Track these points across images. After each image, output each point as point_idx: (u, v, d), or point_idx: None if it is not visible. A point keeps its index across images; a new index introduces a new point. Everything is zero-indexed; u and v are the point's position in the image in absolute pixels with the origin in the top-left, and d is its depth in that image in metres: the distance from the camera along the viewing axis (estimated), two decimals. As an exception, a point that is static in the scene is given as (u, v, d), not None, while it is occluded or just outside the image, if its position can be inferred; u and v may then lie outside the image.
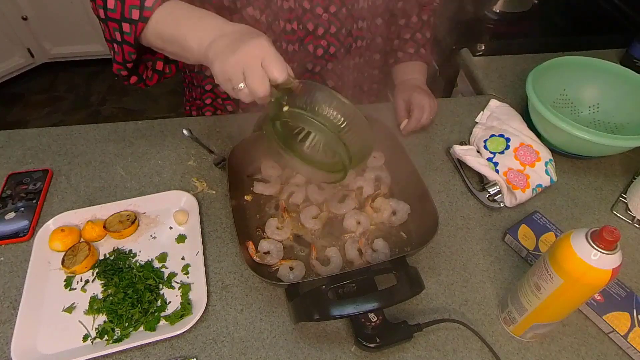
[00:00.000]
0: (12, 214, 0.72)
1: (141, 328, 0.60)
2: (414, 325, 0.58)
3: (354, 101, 0.55)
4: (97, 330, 0.59)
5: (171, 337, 0.59)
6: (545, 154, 0.80)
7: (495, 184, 0.78)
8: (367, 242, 0.69)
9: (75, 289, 0.64)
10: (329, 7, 0.78)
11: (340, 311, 0.53)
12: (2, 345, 0.58)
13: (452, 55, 1.19)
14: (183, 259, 0.68)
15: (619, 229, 0.45)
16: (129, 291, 0.62)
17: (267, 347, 0.59)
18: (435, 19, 0.98)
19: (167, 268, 0.67)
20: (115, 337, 0.58)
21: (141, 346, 0.58)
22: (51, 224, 0.70)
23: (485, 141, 0.84)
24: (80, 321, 0.61)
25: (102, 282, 0.65)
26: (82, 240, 0.69)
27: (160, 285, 0.64)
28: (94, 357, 0.56)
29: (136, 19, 0.59)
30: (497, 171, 0.79)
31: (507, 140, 0.82)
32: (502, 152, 0.81)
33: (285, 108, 0.53)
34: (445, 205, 0.78)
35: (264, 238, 0.69)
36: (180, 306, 0.62)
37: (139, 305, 0.61)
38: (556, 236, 0.71)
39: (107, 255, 0.68)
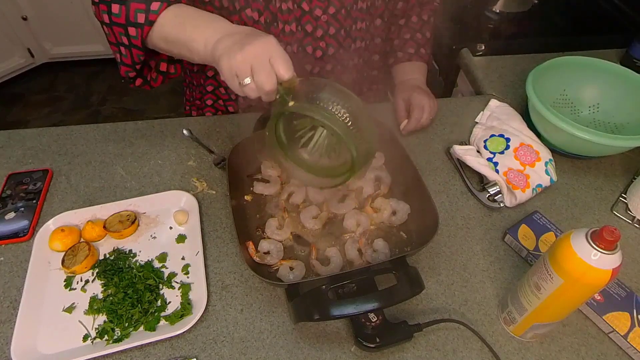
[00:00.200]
0: (12, 214, 0.72)
1: (141, 328, 0.60)
2: (414, 325, 0.58)
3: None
4: (97, 330, 0.59)
5: (171, 337, 0.59)
6: (545, 154, 0.80)
7: (495, 184, 0.78)
8: (367, 242, 0.69)
9: (75, 289, 0.64)
10: (328, 9, 0.78)
11: (340, 311, 0.53)
12: (2, 345, 0.58)
13: (452, 55, 1.19)
14: (183, 259, 0.68)
15: (619, 229, 0.45)
16: (129, 291, 0.62)
17: (267, 347, 0.59)
18: (435, 19, 0.98)
19: (167, 268, 0.67)
20: (115, 337, 0.58)
21: (141, 346, 0.58)
22: (51, 224, 0.70)
23: (485, 141, 0.84)
24: (80, 321, 0.61)
25: (102, 282, 0.65)
26: (82, 240, 0.69)
27: (160, 285, 0.64)
28: (94, 357, 0.56)
29: (142, 22, 0.60)
30: (497, 171, 0.79)
31: (507, 140, 0.82)
32: (502, 152, 0.81)
33: (291, 103, 0.53)
34: (445, 205, 0.78)
35: (264, 238, 0.69)
36: (180, 306, 0.62)
37: (139, 305, 0.61)
38: (556, 236, 0.71)
39: (107, 255, 0.68)
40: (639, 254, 0.72)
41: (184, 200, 0.74)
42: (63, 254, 0.66)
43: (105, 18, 0.63)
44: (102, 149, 0.84)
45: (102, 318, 0.61)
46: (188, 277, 0.66)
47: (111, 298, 0.62)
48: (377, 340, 0.56)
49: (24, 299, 0.61)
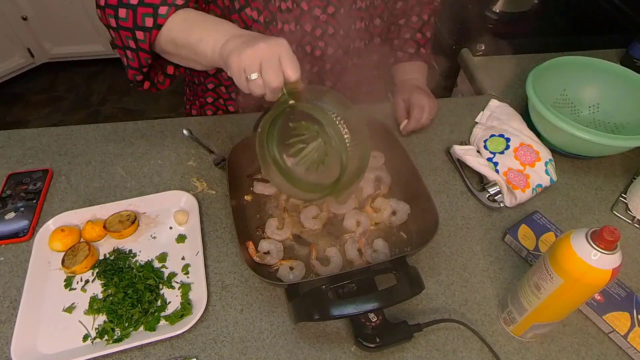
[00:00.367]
0: (12, 214, 0.72)
1: (141, 328, 0.60)
2: (414, 325, 0.58)
3: (353, 102, 0.55)
4: (97, 330, 0.59)
5: (171, 337, 0.59)
6: (545, 154, 0.80)
7: (495, 184, 0.78)
8: (367, 242, 0.69)
9: (75, 289, 0.64)
10: (327, 8, 0.78)
11: (340, 311, 0.53)
12: (2, 345, 0.58)
13: (452, 55, 1.19)
14: (183, 259, 0.68)
15: (619, 229, 0.45)
16: (129, 291, 0.62)
17: (267, 347, 0.59)
18: (435, 19, 0.98)
19: (167, 268, 0.67)
20: (115, 337, 0.58)
21: (141, 346, 0.58)
22: (51, 224, 0.70)
23: (485, 141, 0.84)
24: (80, 321, 0.61)
25: (102, 282, 0.65)
26: (82, 240, 0.69)
27: (160, 285, 0.64)
28: (94, 357, 0.56)
29: (150, 26, 0.60)
30: (497, 171, 0.79)
31: (507, 140, 0.82)
32: (502, 152, 0.81)
33: (291, 102, 0.54)
34: (445, 205, 0.78)
35: (264, 238, 0.69)
36: (180, 306, 0.62)
37: (139, 305, 0.61)
38: (556, 236, 0.71)
39: (107, 255, 0.68)
40: (639, 254, 0.72)
41: (184, 200, 0.74)
42: (63, 254, 0.66)
43: (112, 22, 0.63)
44: (102, 149, 0.84)
45: (102, 318, 0.61)
46: (188, 277, 0.66)
47: (111, 298, 0.62)
48: (377, 340, 0.56)
49: (24, 299, 0.61)
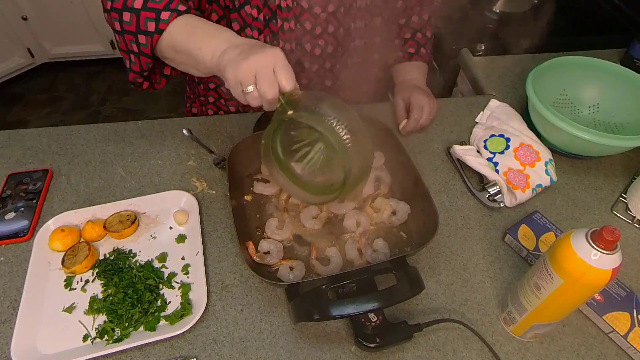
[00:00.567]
0: (12, 214, 0.72)
1: (141, 328, 0.60)
2: (414, 325, 0.58)
3: (353, 101, 0.55)
4: (97, 330, 0.59)
5: (171, 337, 0.59)
6: (545, 154, 0.80)
7: (495, 184, 0.78)
8: (367, 242, 0.69)
9: (75, 289, 0.64)
10: (327, 6, 0.78)
11: (340, 311, 0.53)
12: (2, 345, 0.58)
13: (452, 55, 1.19)
14: (183, 259, 0.68)
15: (619, 229, 0.45)
16: (129, 291, 0.62)
17: (267, 347, 0.59)
18: (435, 19, 0.98)
19: (167, 268, 0.67)
20: (115, 337, 0.58)
21: (141, 346, 0.58)
22: (51, 224, 0.70)
23: (485, 141, 0.84)
24: (80, 321, 0.61)
25: (102, 282, 0.65)
26: (82, 240, 0.69)
27: (160, 285, 0.64)
28: (94, 357, 0.56)
29: (152, 31, 0.61)
30: (497, 171, 0.79)
31: (507, 140, 0.82)
32: (502, 152, 0.81)
33: (290, 112, 0.54)
34: (445, 205, 0.78)
35: (264, 238, 0.69)
36: (180, 306, 0.62)
37: (139, 305, 0.61)
38: (556, 236, 0.71)
39: (107, 255, 0.68)
40: (639, 254, 0.72)
41: (184, 200, 0.74)
42: (63, 254, 0.66)
43: (117, 26, 0.63)
44: (102, 149, 0.84)
45: (102, 318, 0.61)
46: (188, 277, 0.66)
47: (111, 298, 0.62)
48: (377, 340, 0.56)
49: (24, 299, 0.61)
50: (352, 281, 0.58)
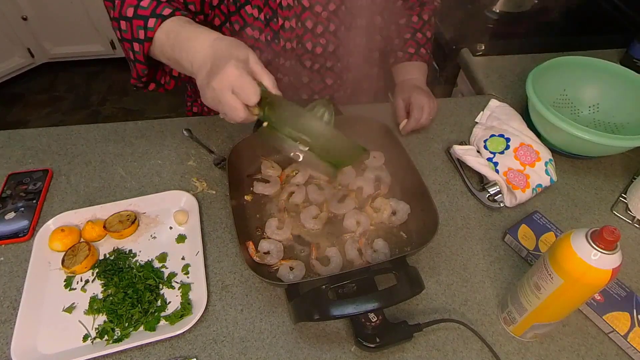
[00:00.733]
0: (12, 214, 0.72)
1: (141, 328, 0.60)
2: (414, 325, 0.58)
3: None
4: (97, 330, 0.59)
5: (171, 337, 0.59)
6: (545, 154, 0.80)
7: (495, 184, 0.78)
8: (367, 242, 0.69)
9: (75, 289, 0.64)
10: (328, 5, 0.78)
11: (340, 311, 0.53)
12: (2, 345, 0.58)
13: (452, 55, 1.19)
14: (183, 259, 0.68)
15: (619, 229, 0.45)
16: (129, 291, 0.62)
17: (267, 347, 0.59)
18: (436, 19, 0.98)
19: (167, 268, 0.67)
20: (115, 337, 0.58)
21: (141, 346, 0.58)
22: (51, 224, 0.70)
23: (485, 141, 0.84)
24: (80, 321, 0.61)
25: (102, 282, 0.65)
26: (82, 240, 0.69)
27: (160, 285, 0.64)
28: (94, 357, 0.56)
29: (142, 38, 0.62)
30: (497, 171, 0.79)
31: (507, 140, 0.82)
32: (502, 152, 0.81)
33: (265, 124, 0.55)
34: (445, 205, 0.78)
35: (264, 238, 0.69)
36: (180, 306, 0.62)
37: (139, 305, 0.61)
38: (556, 236, 0.71)
39: (107, 255, 0.68)
40: (639, 254, 0.72)
41: (184, 200, 0.74)
42: (63, 254, 0.66)
43: (118, 34, 0.65)
44: (102, 149, 0.84)
45: (102, 318, 0.61)
46: (188, 277, 0.66)
47: (111, 298, 0.62)
48: (377, 340, 0.56)
49: (24, 299, 0.61)
50: (352, 281, 0.58)
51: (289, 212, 0.73)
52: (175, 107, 2.40)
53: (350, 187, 0.76)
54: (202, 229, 0.71)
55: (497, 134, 0.84)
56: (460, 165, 0.83)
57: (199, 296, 0.63)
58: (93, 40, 2.46)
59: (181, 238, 0.70)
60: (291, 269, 0.65)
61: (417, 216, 0.71)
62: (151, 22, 0.61)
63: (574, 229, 0.49)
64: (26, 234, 0.69)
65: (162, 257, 0.68)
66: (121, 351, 0.58)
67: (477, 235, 0.73)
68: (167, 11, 0.61)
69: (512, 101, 0.95)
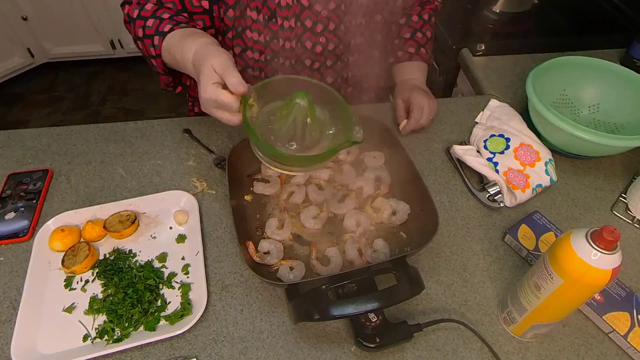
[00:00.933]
0: (12, 214, 0.72)
1: (141, 328, 0.60)
2: (414, 325, 0.58)
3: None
4: (97, 330, 0.59)
5: (171, 337, 0.59)
6: (545, 154, 0.80)
7: (495, 184, 0.78)
8: (367, 242, 0.69)
9: (75, 289, 0.64)
10: (327, 4, 0.78)
11: (340, 311, 0.53)
12: (2, 345, 0.58)
13: (452, 55, 1.19)
14: (183, 259, 0.68)
15: (619, 229, 0.45)
16: (129, 291, 0.62)
17: (267, 347, 0.59)
18: (436, 19, 0.98)
19: (167, 268, 0.67)
20: (115, 337, 0.58)
21: (141, 346, 0.58)
22: (51, 224, 0.70)
23: (485, 141, 0.84)
24: (80, 321, 0.61)
25: (102, 282, 0.65)
26: (82, 240, 0.69)
27: (160, 285, 0.64)
28: (94, 357, 0.56)
29: (154, 55, 0.70)
30: (497, 171, 0.79)
31: (507, 140, 0.82)
32: (502, 152, 0.81)
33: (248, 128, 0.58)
34: (445, 205, 0.78)
35: (264, 238, 0.69)
36: (180, 306, 0.62)
37: (139, 305, 0.61)
38: (556, 236, 0.71)
39: (107, 255, 0.68)
40: (639, 254, 0.72)
41: (184, 200, 0.74)
42: (63, 254, 0.66)
43: (142, 53, 0.73)
44: (102, 149, 0.84)
45: (102, 318, 0.61)
46: (188, 277, 0.66)
47: (111, 298, 0.62)
48: (377, 340, 0.56)
49: (24, 299, 0.61)
50: (352, 281, 0.58)
51: (289, 212, 0.73)
52: (175, 107, 2.40)
53: (350, 187, 0.76)
54: (202, 229, 0.71)
55: (497, 134, 0.84)
56: (460, 165, 0.83)
57: (199, 296, 0.63)
58: (93, 40, 2.46)
59: (181, 238, 0.70)
60: (291, 269, 0.65)
61: (417, 216, 0.71)
62: (156, 39, 0.68)
63: (574, 229, 0.49)
64: (26, 234, 0.69)
65: (162, 257, 0.68)
66: (121, 351, 0.58)
67: (477, 235, 0.73)
68: (167, 28, 0.68)
69: (512, 101, 0.95)
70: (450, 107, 0.96)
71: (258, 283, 0.66)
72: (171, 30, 0.67)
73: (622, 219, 0.77)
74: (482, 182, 0.80)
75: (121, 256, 0.67)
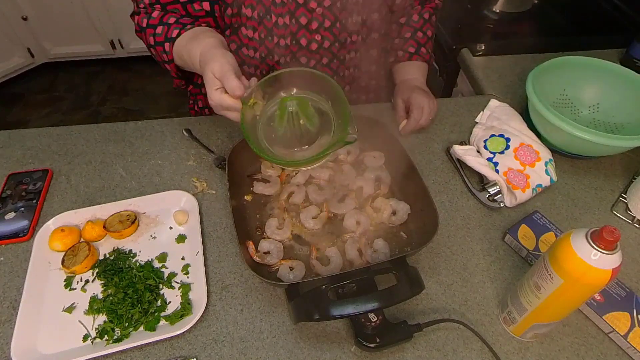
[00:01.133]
0: (12, 214, 0.72)
1: (141, 328, 0.60)
2: (414, 325, 0.58)
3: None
4: (97, 330, 0.59)
5: (171, 337, 0.59)
6: (545, 154, 0.80)
7: (495, 184, 0.78)
8: (367, 242, 0.69)
9: (75, 289, 0.64)
10: (323, 1, 0.77)
11: (340, 311, 0.53)
12: (2, 345, 0.58)
13: (452, 55, 1.19)
14: (183, 259, 0.68)
15: (619, 229, 0.45)
16: (129, 291, 0.62)
17: (267, 347, 0.59)
18: (436, 18, 0.98)
19: (167, 268, 0.67)
20: (115, 337, 0.58)
21: (141, 346, 0.58)
22: (51, 224, 0.70)
23: (485, 141, 0.84)
24: (80, 321, 0.61)
25: (102, 282, 0.65)
26: (82, 240, 0.69)
27: (160, 285, 0.64)
28: (94, 357, 0.56)
29: (167, 60, 0.74)
30: (497, 171, 0.79)
31: (507, 140, 0.82)
32: (502, 152, 0.81)
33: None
34: (445, 205, 0.78)
35: (264, 238, 0.69)
36: (180, 306, 0.62)
37: (139, 305, 0.61)
38: (556, 236, 0.71)
39: (107, 255, 0.68)
40: (639, 254, 0.72)
41: (184, 200, 0.74)
42: (63, 254, 0.66)
43: (157, 59, 0.78)
44: (102, 149, 0.84)
45: (102, 318, 0.61)
46: (188, 277, 0.66)
47: (111, 298, 0.62)
48: (377, 340, 0.56)
49: (24, 299, 0.61)
50: (352, 281, 0.58)
51: (289, 212, 0.73)
52: (175, 107, 2.40)
53: (350, 187, 0.76)
54: (202, 229, 0.71)
55: (497, 134, 0.84)
56: (460, 165, 0.83)
57: (199, 296, 0.63)
58: (93, 40, 2.46)
59: (181, 238, 0.70)
60: (291, 269, 0.65)
61: (417, 216, 0.71)
62: (167, 46, 0.72)
63: (574, 229, 0.49)
64: (26, 234, 0.69)
65: (162, 257, 0.68)
66: (121, 351, 0.58)
67: (477, 235, 0.73)
68: (174, 33, 0.71)
69: (512, 101, 0.95)
70: (450, 107, 0.96)
71: (258, 283, 0.66)
72: (178, 35, 0.71)
73: (622, 219, 0.77)
74: (482, 182, 0.80)
75: (121, 256, 0.67)
